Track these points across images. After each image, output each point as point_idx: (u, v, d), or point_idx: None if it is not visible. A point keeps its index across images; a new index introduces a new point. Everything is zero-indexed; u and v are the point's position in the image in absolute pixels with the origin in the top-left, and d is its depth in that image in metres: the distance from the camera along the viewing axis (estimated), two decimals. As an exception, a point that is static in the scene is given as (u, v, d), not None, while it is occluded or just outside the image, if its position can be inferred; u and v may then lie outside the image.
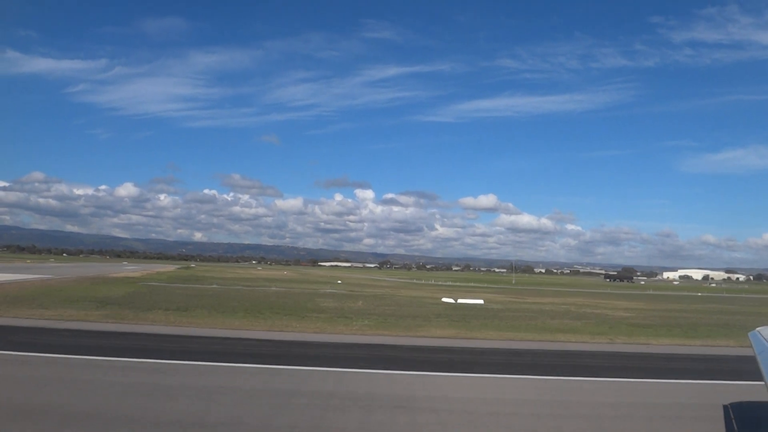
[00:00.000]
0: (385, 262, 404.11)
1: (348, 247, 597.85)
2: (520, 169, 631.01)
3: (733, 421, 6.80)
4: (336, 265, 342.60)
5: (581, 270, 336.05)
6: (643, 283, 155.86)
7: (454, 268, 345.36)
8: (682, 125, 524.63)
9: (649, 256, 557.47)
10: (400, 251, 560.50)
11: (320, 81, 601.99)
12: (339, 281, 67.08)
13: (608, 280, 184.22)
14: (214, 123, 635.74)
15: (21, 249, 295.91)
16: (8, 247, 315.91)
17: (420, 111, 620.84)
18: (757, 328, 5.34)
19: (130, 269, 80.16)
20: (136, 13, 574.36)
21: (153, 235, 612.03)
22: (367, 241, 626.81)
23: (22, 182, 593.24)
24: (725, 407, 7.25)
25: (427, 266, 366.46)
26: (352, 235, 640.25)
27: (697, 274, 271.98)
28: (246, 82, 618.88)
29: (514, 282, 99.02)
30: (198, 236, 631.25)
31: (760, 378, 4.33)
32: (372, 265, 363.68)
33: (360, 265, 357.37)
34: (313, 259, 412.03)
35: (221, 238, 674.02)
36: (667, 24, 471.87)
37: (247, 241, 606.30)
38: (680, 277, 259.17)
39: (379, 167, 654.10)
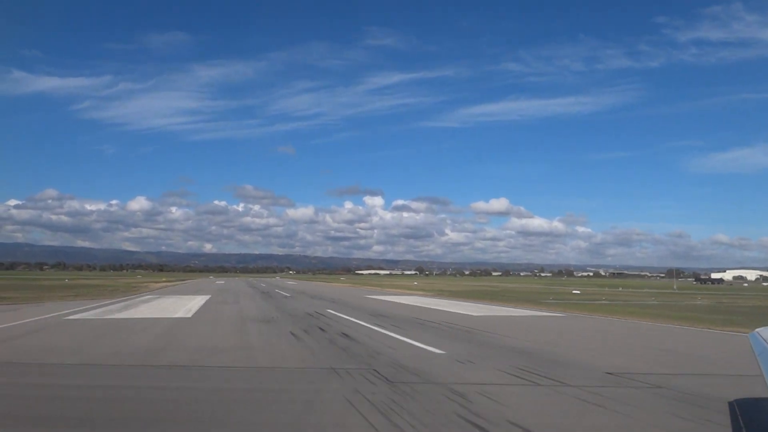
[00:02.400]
0: (419, 268, 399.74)
1: (357, 254, 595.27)
2: (529, 172, 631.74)
3: (739, 417, 6.22)
4: (376, 273, 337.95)
5: (626, 272, 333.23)
6: (746, 285, 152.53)
7: (494, 273, 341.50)
8: (688, 125, 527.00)
9: (660, 257, 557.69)
10: (410, 257, 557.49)
11: (324, 90, 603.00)
12: (576, 291, 62.79)
13: (697, 282, 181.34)
14: (221, 135, 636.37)
15: (33, 266, 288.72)
16: (20, 263, 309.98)
17: (425, 117, 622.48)
18: (757, 329, 5.17)
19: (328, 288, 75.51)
20: (139, 28, 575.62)
21: (163, 248, 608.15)
22: (377, 248, 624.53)
23: (36, 199, 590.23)
24: (731, 404, 6.73)
25: (465, 272, 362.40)
26: (362, 242, 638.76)
27: (750, 275, 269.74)
28: (250, 93, 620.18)
29: (675, 287, 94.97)
30: (208, 247, 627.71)
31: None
32: (410, 272, 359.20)
33: (399, 272, 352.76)
34: (346, 267, 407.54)
35: (231, 248, 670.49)
36: (672, 24, 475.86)
37: (257, 251, 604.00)
38: (734, 278, 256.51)
39: (391, 174, 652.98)
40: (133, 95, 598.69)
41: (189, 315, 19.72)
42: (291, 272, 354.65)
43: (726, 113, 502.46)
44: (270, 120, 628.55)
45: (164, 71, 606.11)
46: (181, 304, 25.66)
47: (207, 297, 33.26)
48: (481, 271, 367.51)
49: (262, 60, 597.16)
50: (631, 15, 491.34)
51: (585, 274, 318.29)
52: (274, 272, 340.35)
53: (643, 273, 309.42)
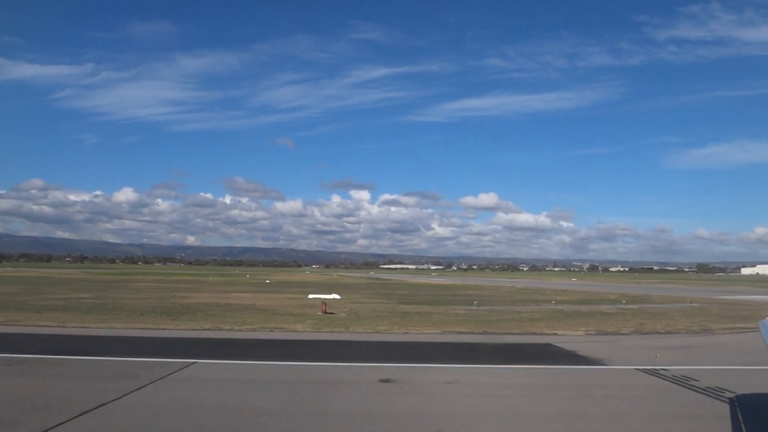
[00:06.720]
0: (436, 262, 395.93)
1: (342, 248, 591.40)
2: (516, 167, 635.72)
3: (739, 414, 6.11)
4: (405, 268, 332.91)
5: (639, 269, 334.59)
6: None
7: (522, 268, 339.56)
8: (667, 121, 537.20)
9: (641, 251, 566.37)
10: (394, 251, 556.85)
11: (309, 83, 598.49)
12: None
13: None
14: (205, 126, 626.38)
15: (10, 256, 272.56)
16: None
17: (409, 111, 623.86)
18: (767, 318, 5.13)
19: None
20: (122, 17, 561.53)
21: (145, 240, 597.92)
22: (362, 241, 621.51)
23: (19, 189, 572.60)
24: (731, 400, 6.52)
25: (493, 266, 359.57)
26: (347, 236, 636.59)
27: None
28: (235, 84, 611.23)
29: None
30: (191, 240, 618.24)
31: None
32: (435, 267, 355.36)
33: (424, 266, 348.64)
34: (333, 261, 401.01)
35: (215, 241, 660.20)
36: (652, 22, 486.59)
37: (240, 244, 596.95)
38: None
39: (383, 169, 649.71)
40: (116, 84, 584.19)
41: None
42: (314, 267, 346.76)
43: (703, 110, 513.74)
44: (254, 111, 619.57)
45: (147, 60, 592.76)
46: None
47: None
48: (508, 266, 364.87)
49: (246, 51, 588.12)
50: (612, 13, 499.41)
51: (621, 269, 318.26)
52: (301, 267, 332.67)
53: (672, 268, 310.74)
